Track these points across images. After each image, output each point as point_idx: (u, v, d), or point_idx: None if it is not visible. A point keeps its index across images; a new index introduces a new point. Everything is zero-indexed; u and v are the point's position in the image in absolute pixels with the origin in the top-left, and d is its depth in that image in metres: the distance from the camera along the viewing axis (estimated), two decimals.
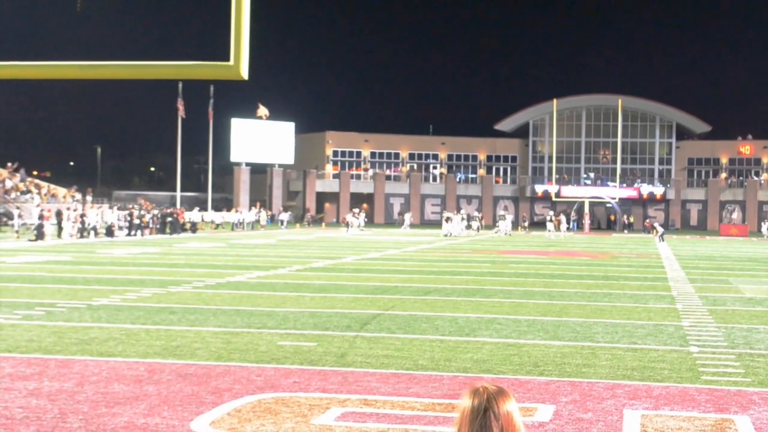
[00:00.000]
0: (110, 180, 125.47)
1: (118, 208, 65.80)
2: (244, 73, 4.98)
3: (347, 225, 76.40)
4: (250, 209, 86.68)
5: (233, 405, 10.63)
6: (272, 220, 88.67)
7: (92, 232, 58.02)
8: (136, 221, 62.44)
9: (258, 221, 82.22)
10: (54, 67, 5.12)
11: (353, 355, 14.09)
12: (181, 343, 14.94)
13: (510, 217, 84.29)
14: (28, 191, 73.48)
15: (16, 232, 54.78)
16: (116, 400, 10.78)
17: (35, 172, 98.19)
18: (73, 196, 77.18)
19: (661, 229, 68.24)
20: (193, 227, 70.91)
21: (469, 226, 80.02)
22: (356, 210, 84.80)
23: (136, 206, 70.94)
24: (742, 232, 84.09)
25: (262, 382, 11.95)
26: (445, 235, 68.80)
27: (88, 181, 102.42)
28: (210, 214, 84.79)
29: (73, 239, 54.66)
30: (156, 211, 68.72)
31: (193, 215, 74.83)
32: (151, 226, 64.34)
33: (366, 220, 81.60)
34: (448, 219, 73.75)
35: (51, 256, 38.16)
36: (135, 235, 60.91)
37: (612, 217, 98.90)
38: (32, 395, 10.94)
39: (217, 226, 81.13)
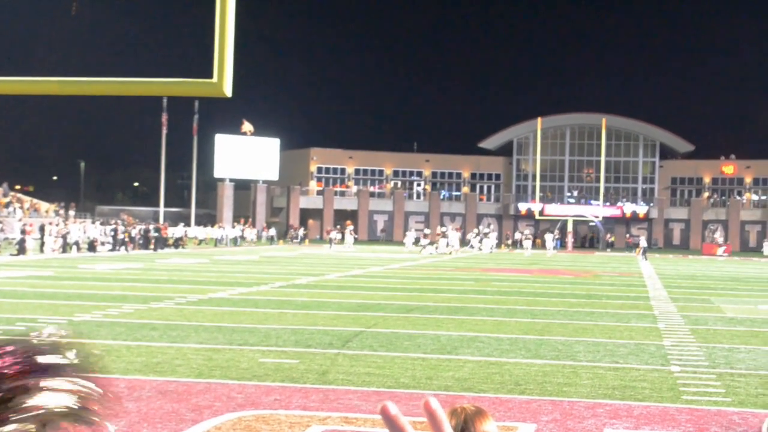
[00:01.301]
0: (93, 195, 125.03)
1: (101, 223, 65.66)
2: (228, 91, 4.98)
3: (330, 241, 76.25)
4: (234, 225, 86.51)
5: (213, 422, 10.59)
6: (258, 236, 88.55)
7: (75, 247, 57.81)
8: (121, 236, 62.30)
9: (244, 237, 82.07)
10: (36, 82, 5.11)
11: (335, 372, 14.07)
12: (161, 359, 14.89)
13: (494, 235, 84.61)
14: (11, 205, 73.19)
15: None
16: None
17: (18, 187, 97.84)
18: (56, 211, 76.92)
19: (644, 245, 68.78)
20: (177, 243, 70.72)
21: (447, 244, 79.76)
22: (351, 227, 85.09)
23: (119, 221, 70.74)
24: (727, 251, 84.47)
25: (242, 399, 11.92)
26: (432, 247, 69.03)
27: (71, 196, 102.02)
28: (193, 230, 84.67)
29: (56, 254, 54.45)
30: (141, 227, 68.54)
31: (178, 231, 74.67)
32: (135, 241, 64.16)
33: (356, 236, 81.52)
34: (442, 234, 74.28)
35: (33, 270, 38.00)
36: (119, 250, 60.71)
37: (593, 235, 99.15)
38: None
39: (201, 241, 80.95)
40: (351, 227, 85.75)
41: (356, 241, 79.99)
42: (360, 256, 61.31)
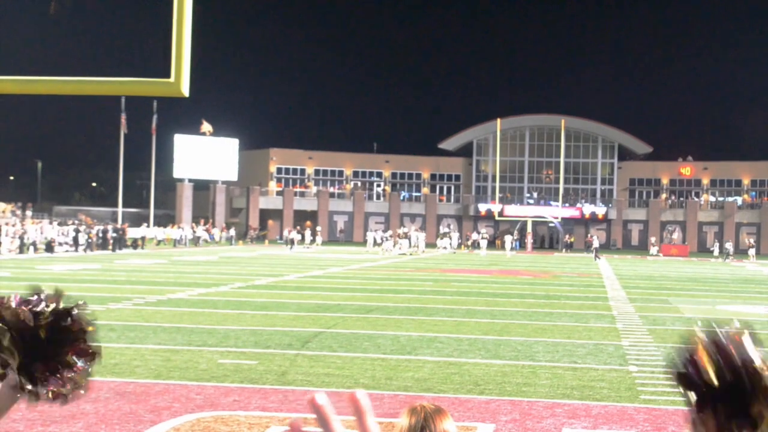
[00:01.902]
0: (50, 195, 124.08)
1: (59, 224, 65.19)
2: (185, 90, 4.94)
3: (290, 242, 75.99)
4: (197, 225, 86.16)
5: (172, 423, 10.54)
6: (212, 237, 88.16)
7: (32, 248, 57.35)
8: (84, 236, 62.01)
9: (199, 237, 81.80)
10: None
11: (294, 373, 14.04)
12: (120, 360, 14.80)
13: (456, 235, 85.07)
14: None
15: None
16: (52, 418, 10.65)
17: None
18: (12, 211, 76.26)
19: (596, 245, 69.88)
20: (135, 243, 70.39)
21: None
22: (319, 228, 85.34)
23: (76, 221, 70.26)
24: (682, 252, 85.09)
25: (201, 400, 11.87)
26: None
27: (28, 196, 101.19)
28: (152, 230, 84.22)
29: (12, 255, 53.99)
30: (101, 227, 68.15)
31: (139, 231, 74.40)
32: (95, 241, 63.78)
33: (312, 237, 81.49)
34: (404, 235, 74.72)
35: None
36: (81, 251, 60.35)
37: (551, 236, 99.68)
38: None
39: (159, 242, 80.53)
40: (319, 228, 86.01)
41: (311, 242, 79.96)
42: (319, 257, 61.24)
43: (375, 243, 76.63)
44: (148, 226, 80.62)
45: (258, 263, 50.07)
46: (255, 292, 29.87)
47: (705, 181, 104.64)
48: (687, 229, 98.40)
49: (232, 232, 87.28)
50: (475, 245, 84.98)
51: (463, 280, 39.32)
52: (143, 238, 72.19)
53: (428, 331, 19.78)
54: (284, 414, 11.15)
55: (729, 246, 79.80)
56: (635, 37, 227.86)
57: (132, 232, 72.78)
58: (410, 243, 75.53)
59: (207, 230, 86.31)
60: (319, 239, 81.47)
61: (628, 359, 16.33)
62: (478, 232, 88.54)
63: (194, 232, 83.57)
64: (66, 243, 61.20)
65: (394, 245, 72.67)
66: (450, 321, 22.01)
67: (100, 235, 65.53)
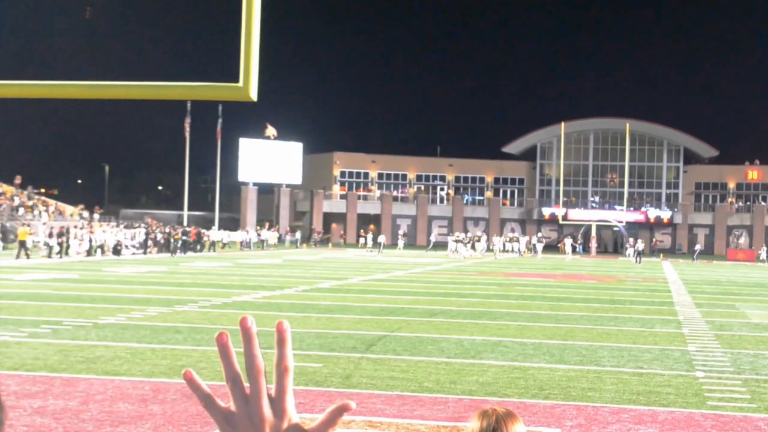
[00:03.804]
0: (117, 198, 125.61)
1: (125, 227, 65.99)
2: (254, 95, 4.98)
3: (379, 246, 75.59)
4: (261, 229, 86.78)
5: None
6: (279, 239, 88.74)
7: (99, 250, 58.07)
8: (160, 240, 63.45)
9: (265, 240, 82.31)
10: (62, 86, 5.13)
11: (358, 376, 14.07)
12: (186, 362, 14.92)
13: (524, 239, 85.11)
14: (36, 208, 73.56)
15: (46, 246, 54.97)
16: (121, 419, 10.77)
17: (43, 190, 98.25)
18: (80, 214, 77.27)
19: (640, 248, 70.04)
20: (213, 246, 72.06)
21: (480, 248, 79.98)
22: (401, 231, 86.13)
23: (144, 225, 71.10)
24: (749, 257, 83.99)
25: None
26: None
27: (95, 199, 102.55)
28: (219, 233, 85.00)
29: (80, 257, 54.70)
30: (177, 230, 69.29)
31: (217, 234, 75.56)
32: (162, 245, 64.71)
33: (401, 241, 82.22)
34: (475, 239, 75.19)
35: (58, 273, 38.18)
36: (146, 253, 61.34)
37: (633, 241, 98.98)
38: (37, 413, 10.93)
39: (224, 245, 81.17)
40: (402, 232, 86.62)
41: (374, 245, 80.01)
42: (384, 260, 61.31)
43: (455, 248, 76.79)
44: (227, 230, 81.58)
45: (322, 266, 50.23)
46: (319, 295, 29.97)
47: None
48: (754, 234, 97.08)
49: (297, 235, 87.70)
50: (533, 249, 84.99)
51: (527, 284, 39.15)
52: (219, 241, 73.78)
53: (492, 335, 19.72)
54: (348, 417, 11.16)
55: None
56: (701, 39, 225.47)
57: (213, 235, 74.31)
58: (480, 247, 76.31)
59: (277, 231, 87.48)
60: (401, 243, 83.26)
61: (695, 365, 16.15)
62: (537, 236, 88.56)
63: (259, 235, 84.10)
64: (131, 246, 61.95)
65: (472, 247, 73.36)
66: (514, 325, 21.93)
67: (181, 236, 66.36)
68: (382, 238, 77.11)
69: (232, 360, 1.33)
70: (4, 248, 59.48)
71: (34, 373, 13.55)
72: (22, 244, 51.58)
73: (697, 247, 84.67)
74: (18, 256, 50.49)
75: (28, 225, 58.88)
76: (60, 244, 54.75)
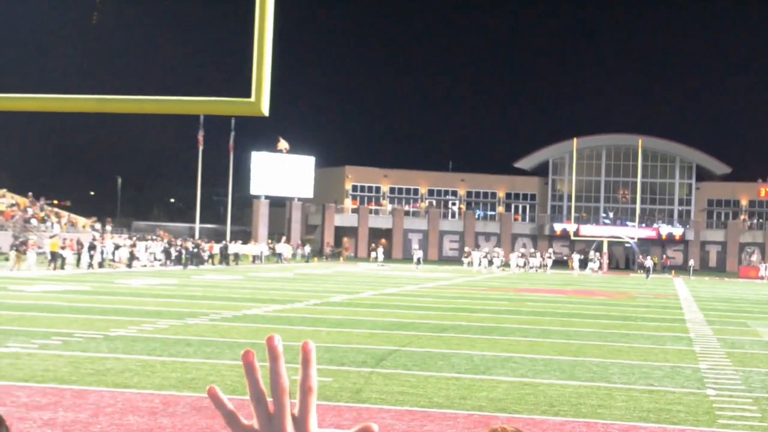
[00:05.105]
0: (130, 210, 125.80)
1: (138, 239, 66.11)
2: (265, 110, 4.99)
3: (418, 261, 75.98)
4: (273, 242, 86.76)
5: None
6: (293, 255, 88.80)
7: (111, 263, 58.19)
8: (176, 253, 63.90)
9: (281, 254, 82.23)
10: (75, 100, 5.16)
11: (368, 391, 14.06)
12: (196, 375, 14.93)
13: (538, 254, 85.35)
14: (48, 219, 73.71)
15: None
16: (131, 431, 10.78)
17: (55, 201, 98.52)
18: (92, 226, 77.40)
19: (649, 264, 70.40)
20: (237, 258, 72.61)
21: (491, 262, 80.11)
22: (416, 246, 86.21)
23: (155, 237, 71.25)
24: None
25: None
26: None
27: (107, 211, 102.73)
28: (233, 247, 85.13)
29: (92, 269, 54.80)
30: (189, 243, 69.65)
31: (237, 248, 75.78)
32: (174, 258, 65.02)
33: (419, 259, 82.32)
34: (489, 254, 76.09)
35: (69, 285, 38.26)
36: (166, 265, 61.84)
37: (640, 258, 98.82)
38: (47, 425, 10.95)
39: (237, 258, 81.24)
40: (418, 249, 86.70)
41: (389, 259, 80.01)
42: (393, 274, 61.30)
43: (479, 263, 76.87)
44: (242, 243, 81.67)
45: (333, 280, 50.24)
46: (330, 309, 29.98)
47: None
48: (766, 251, 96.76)
49: (308, 249, 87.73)
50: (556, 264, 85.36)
51: (538, 299, 39.10)
52: (236, 255, 74.03)
53: (502, 350, 19.69)
54: None
55: None
56: (713, 56, 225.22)
57: (232, 248, 74.67)
58: (494, 262, 76.86)
59: (294, 245, 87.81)
60: (417, 252, 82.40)
61: (706, 382, 16.10)
62: (562, 254, 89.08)
63: (272, 249, 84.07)
64: (143, 258, 62.09)
65: (489, 264, 73.92)
66: (524, 341, 21.89)
67: (192, 249, 66.64)
68: (419, 254, 77.74)
69: (257, 379, 1.35)
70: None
71: (45, 385, 13.58)
72: (54, 255, 52.27)
73: (691, 262, 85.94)
74: (54, 268, 51.29)
75: (54, 236, 58.99)
76: (79, 254, 55.33)
